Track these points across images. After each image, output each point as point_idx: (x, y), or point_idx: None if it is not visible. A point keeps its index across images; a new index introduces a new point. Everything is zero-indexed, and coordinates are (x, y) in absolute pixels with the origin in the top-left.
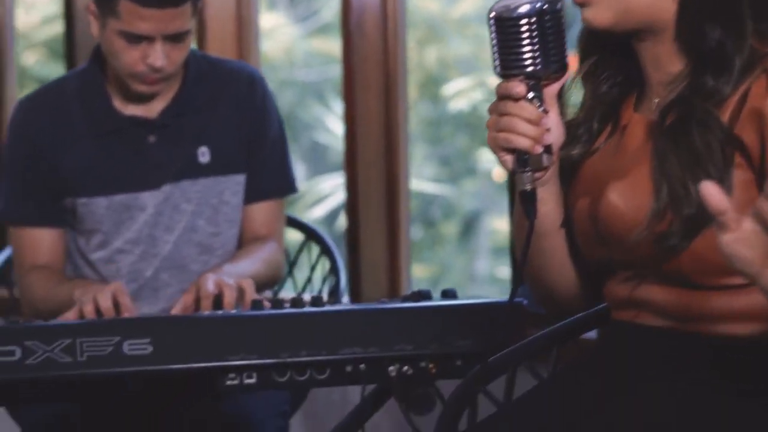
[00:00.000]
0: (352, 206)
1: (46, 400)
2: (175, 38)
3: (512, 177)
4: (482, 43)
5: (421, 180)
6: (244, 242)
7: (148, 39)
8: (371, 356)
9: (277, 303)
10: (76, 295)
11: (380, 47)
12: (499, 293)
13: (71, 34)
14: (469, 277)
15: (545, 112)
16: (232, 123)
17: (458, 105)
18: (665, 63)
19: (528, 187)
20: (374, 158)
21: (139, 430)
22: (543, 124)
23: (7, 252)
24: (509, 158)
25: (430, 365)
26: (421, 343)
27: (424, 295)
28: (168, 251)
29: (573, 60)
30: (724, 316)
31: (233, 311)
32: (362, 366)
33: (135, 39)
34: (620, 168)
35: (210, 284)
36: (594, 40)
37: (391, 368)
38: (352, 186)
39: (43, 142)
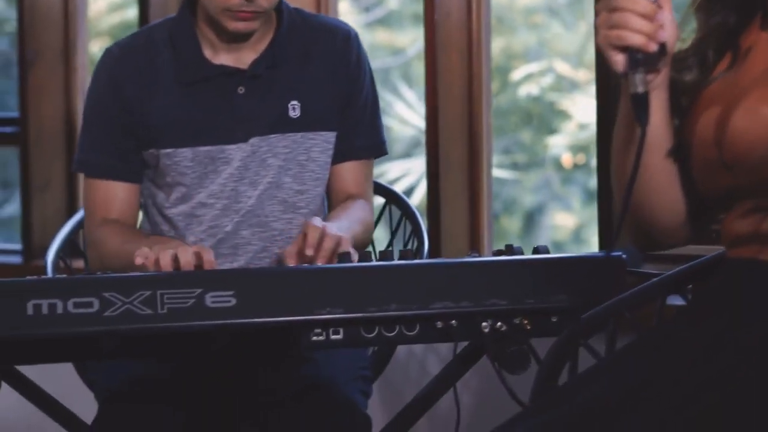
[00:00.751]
0: (432, 181)
1: (124, 354)
2: None
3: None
4: (548, 33)
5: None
6: (332, 201)
7: None
8: (463, 311)
9: (365, 256)
10: (154, 250)
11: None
12: None
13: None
14: None
15: (659, 6)
16: (325, 78)
17: (527, 90)
18: None
19: (641, 89)
20: (457, 138)
21: (215, 392)
22: (657, 19)
23: (79, 215)
24: (621, 57)
25: (525, 321)
26: (516, 298)
27: (516, 251)
28: (250, 206)
29: None
30: None
31: (320, 264)
32: (453, 322)
33: None
34: (746, 88)
35: (317, 221)
36: None
37: (484, 324)
38: (432, 164)
39: (130, 89)
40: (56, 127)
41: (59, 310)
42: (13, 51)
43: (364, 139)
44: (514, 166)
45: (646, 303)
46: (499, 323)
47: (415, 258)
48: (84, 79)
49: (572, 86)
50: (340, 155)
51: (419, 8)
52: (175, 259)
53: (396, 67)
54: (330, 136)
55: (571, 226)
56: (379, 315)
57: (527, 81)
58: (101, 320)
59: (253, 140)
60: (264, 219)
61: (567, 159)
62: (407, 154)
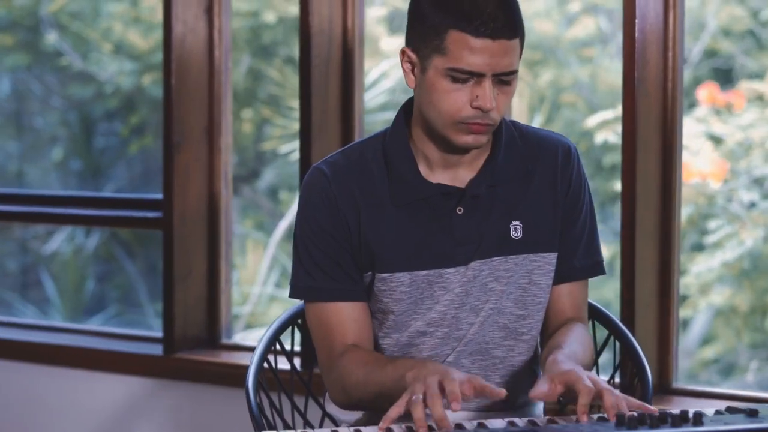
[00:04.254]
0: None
1: None
2: (504, 78)
3: None
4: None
5: None
6: (550, 324)
7: (477, 77)
8: None
9: (645, 420)
10: (408, 378)
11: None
12: None
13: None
14: None
15: None
16: (546, 197)
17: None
18: None
19: None
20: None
21: None
22: None
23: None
24: None
25: None
26: None
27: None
28: (473, 334)
29: None
30: None
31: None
32: None
33: (463, 78)
34: None
35: (588, 381)
36: None
37: None
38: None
39: (345, 208)
40: (200, 212)
41: None
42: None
43: (583, 259)
44: None
45: None
46: None
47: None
48: (227, 160)
49: None
50: (558, 276)
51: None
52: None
53: None
54: (552, 258)
55: None
56: None
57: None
58: None
59: (474, 264)
60: (485, 347)
61: None
62: None
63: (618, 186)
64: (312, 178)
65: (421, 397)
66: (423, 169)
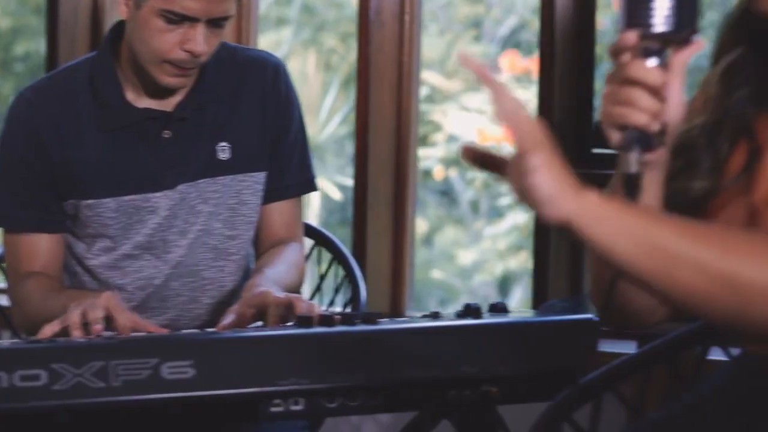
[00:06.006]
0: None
1: (75, 431)
2: (218, 23)
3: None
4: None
5: None
6: (262, 245)
7: (191, 21)
8: (430, 379)
9: (325, 320)
10: (71, 307)
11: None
12: None
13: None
14: None
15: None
16: (255, 116)
17: None
18: None
19: (633, 168)
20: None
21: None
22: (663, 97)
23: None
24: (617, 135)
25: (493, 389)
26: (486, 365)
27: (476, 311)
28: (180, 256)
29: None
30: None
31: (281, 330)
32: (419, 389)
33: (176, 20)
34: (759, 211)
35: (279, 294)
36: (738, 32)
37: (452, 392)
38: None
39: (48, 137)
40: None
41: (4, 383)
42: None
43: (294, 176)
44: None
45: (630, 375)
46: (466, 391)
47: (352, 307)
48: None
49: (443, 97)
50: (269, 195)
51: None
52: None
53: None
54: (261, 177)
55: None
56: (342, 385)
57: None
58: (50, 395)
59: (181, 187)
60: (194, 268)
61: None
62: None
63: None
64: (15, 106)
65: (76, 319)
66: (130, 94)
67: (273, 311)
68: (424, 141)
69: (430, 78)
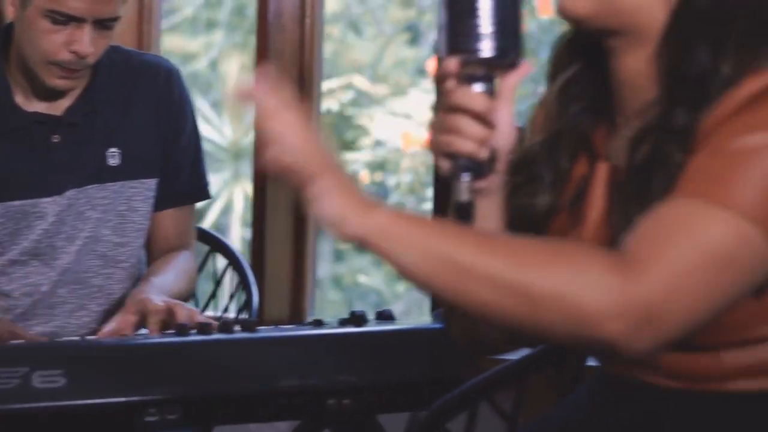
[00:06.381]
0: (258, 215)
1: None
2: (105, 24)
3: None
4: (342, 45)
5: None
6: (153, 252)
7: (77, 22)
8: (309, 388)
9: (204, 328)
10: None
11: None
12: None
13: None
14: None
15: (499, 99)
16: (148, 122)
17: (327, 105)
18: (641, 86)
19: (465, 197)
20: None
21: None
22: (491, 123)
23: None
24: (446, 163)
25: (373, 397)
26: (365, 373)
27: (362, 318)
28: (68, 263)
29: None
30: (738, 373)
31: (156, 338)
32: (299, 398)
33: (62, 20)
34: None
35: (159, 301)
36: (572, 50)
37: (330, 401)
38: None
39: None
40: None
41: None
42: None
43: (187, 183)
44: None
45: (502, 385)
46: (345, 400)
47: (246, 313)
48: None
49: (370, 101)
50: (160, 202)
51: (213, 15)
52: None
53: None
54: (152, 184)
55: None
56: (219, 394)
57: (328, 96)
58: None
59: (69, 192)
60: (82, 275)
61: (364, 176)
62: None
63: None
64: None
65: None
66: (19, 98)
67: (153, 318)
68: (350, 145)
69: (357, 82)
